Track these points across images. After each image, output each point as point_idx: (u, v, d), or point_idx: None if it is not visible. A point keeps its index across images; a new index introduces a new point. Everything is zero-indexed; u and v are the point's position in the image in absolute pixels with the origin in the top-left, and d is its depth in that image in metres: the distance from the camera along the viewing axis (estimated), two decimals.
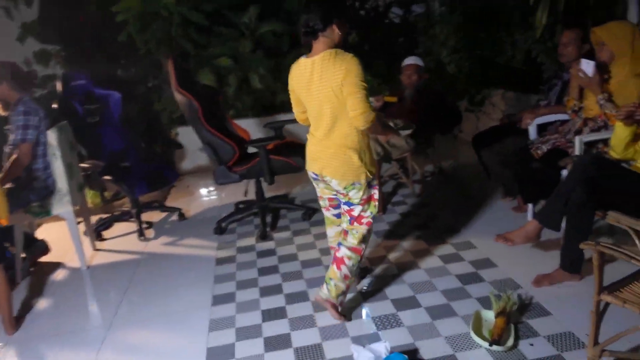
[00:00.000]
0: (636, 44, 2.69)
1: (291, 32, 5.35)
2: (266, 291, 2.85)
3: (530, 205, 3.22)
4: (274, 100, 5.42)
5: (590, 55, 2.85)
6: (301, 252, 3.28)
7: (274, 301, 2.74)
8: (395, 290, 2.70)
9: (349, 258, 2.45)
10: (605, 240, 2.93)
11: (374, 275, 2.88)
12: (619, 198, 2.36)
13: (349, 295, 2.62)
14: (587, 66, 2.73)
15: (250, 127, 4.48)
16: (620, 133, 2.46)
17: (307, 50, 2.37)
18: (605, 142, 2.69)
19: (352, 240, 2.46)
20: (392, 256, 3.09)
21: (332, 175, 2.37)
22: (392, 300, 2.61)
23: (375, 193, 2.47)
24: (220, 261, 3.29)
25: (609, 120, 2.73)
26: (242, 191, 4.32)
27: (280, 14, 5.52)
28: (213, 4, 5.12)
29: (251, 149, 3.65)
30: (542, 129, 3.21)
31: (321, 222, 3.66)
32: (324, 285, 2.49)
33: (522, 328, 2.26)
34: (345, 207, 2.46)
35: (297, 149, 3.75)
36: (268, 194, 4.03)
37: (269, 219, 3.82)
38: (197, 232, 3.80)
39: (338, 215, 2.59)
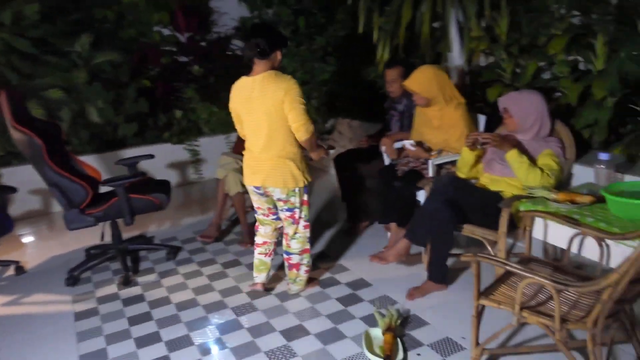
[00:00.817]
0: (444, 86, 3.10)
1: (130, 62, 5.10)
2: (143, 342, 2.62)
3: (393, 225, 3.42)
4: (116, 135, 5.06)
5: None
6: (173, 294, 3.09)
7: (155, 351, 2.53)
8: (281, 321, 2.70)
9: (303, 259, 2.87)
10: (460, 250, 3.32)
11: (256, 308, 2.84)
12: (471, 212, 2.69)
13: (241, 336, 2.56)
14: (409, 145, 3.18)
15: (94, 165, 4.12)
16: (466, 157, 2.83)
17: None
18: (453, 163, 3.05)
19: (298, 245, 2.83)
20: (270, 286, 3.08)
21: (275, 185, 2.66)
22: (280, 332, 2.60)
23: (308, 199, 2.80)
24: (80, 315, 2.94)
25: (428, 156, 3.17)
26: (89, 235, 3.93)
27: (116, 43, 5.23)
28: (39, 31, 4.64)
29: (105, 189, 3.35)
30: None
31: (187, 260, 3.53)
32: (291, 285, 2.93)
33: (407, 340, 2.43)
34: (288, 213, 2.77)
35: (155, 186, 3.56)
36: (123, 235, 3.72)
37: (128, 262, 3.52)
38: (43, 286, 3.35)
39: (276, 218, 2.90)
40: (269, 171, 2.65)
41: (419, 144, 3.23)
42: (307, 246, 2.88)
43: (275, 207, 2.83)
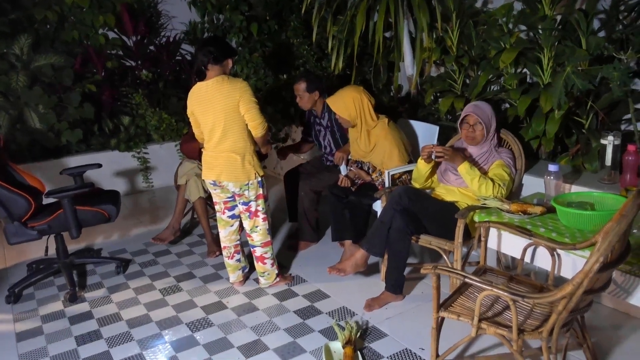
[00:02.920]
0: (363, 108, 3.16)
1: (73, 65, 4.88)
2: None
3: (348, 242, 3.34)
4: (59, 142, 4.83)
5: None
6: (124, 310, 2.97)
7: None
8: (239, 337, 2.64)
9: (266, 252, 3.04)
10: (416, 260, 3.36)
11: (212, 324, 2.77)
12: (427, 222, 2.73)
13: (196, 353, 2.49)
14: (344, 171, 3.43)
15: (35, 174, 3.90)
16: (421, 168, 2.87)
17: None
18: (409, 173, 3.09)
19: (259, 237, 3.01)
20: (226, 300, 3.01)
21: (228, 179, 2.87)
22: (238, 348, 2.54)
23: (265, 193, 2.98)
24: (22, 336, 2.77)
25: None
26: (32, 249, 3.73)
27: (58, 45, 5.00)
28: None
29: (49, 200, 3.19)
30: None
31: (138, 273, 3.41)
32: (260, 278, 3.10)
33: (367, 353, 2.43)
34: (243, 207, 2.96)
35: (103, 196, 3.42)
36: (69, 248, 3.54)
37: (75, 277, 3.36)
38: None
39: (232, 217, 3.07)
40: (223, 166, 2.87)
41: (360, 164, 3.28)
42: (268, 238, 3.05)
43: (233, 200, 3.01)
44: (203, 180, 3.57)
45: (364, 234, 3.18)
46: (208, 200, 3.68)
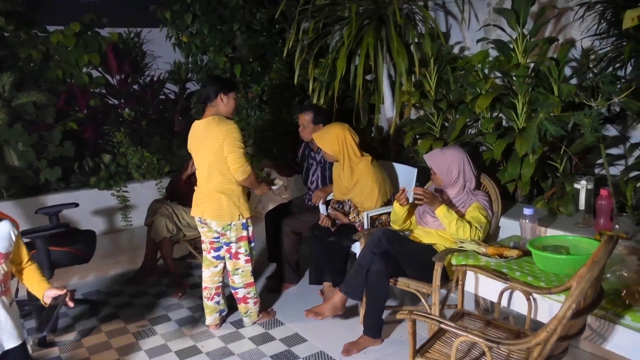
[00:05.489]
0: (348, 145, 3.21)
1: (55, 103, 4.88)
2: None
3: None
4: (38, 179, 4.78)
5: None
6: (95, 355, 2.88)
7: None
8: None
9: (248, 292, 3.04)
10: (395, 302, 3.33)
11: None
12: (405, 264, 2.73)
13: None
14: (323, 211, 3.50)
15: (11, 212, 3.84)
16: (397, 212, 2.89)
17: None
18: (388, 214, 3.10)
19: (242, 279, 3.00)
20: (201, 344, 2.94)
21: (211, 217, 2.87)
22: None
23: (249, 235, 2.96)
24: None
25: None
26: None
27: (41, 83, 5.01)
28: None
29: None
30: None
31: (112, 316, 3.32)
32: (244, 319, 3.10)
33: None
34: (225, 247, 2.96)
35: (78, 237, 3.37)
36: None
37: (45, 320, 3.26)
38: None
39: (217, 257, 3.03)
40: (206, 204, 2.89)
41: (341, 205, 3.29)
42: (251, 280, 3.04)
43: (218, 240, 2.99)
44: (172, 220, 3.59)
45: (343, 275, 3.16)
46: (174, 239, 3.67)
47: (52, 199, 4.65)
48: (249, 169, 2.83)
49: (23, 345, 2.03)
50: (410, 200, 2.83)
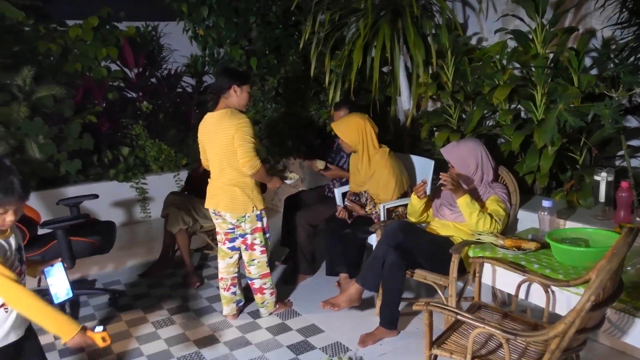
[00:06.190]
0: (366, 135, 3.20)
1: (74, 96, 4.95)
2: None
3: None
4: (58, 172, 4.85)
5: None
6: (115, 344, 2.93)
7: None
8: None
9: (265, 283, 3.06)
10: (411, 294, 3.33)
11: (204, 358, 2.73)
12: (421, 257, 2.72)
13: None
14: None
15: (32, 203, 3.91)
16: (415, 204, 2.88)
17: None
18: (405, 206, 3.09)
19: (258, 270, 3.02)
20: (219, 334, 2.98)
21: (225, 210, 2.91)
22: None
23: (264, 226, 2.98)
24: None
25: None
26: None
27: (60, 77, 5.08)
28: None
29: (44, 230, 3.19)
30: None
31: (131, 306, 3.37)
32: (261, 309, 3.13)
33: None
34: (240, 239, 2.99)
35: (98, 227, 3.42)
36: None
37: (67, 308, 3.33)
38: None
39: (232, 248, 3.06)
40: (220, 196, 2.92)
41: (357, 197, 3.30)
42: (267, 270, 3.06)
43: (233, 231, 3.01)
44: (189, 212, 3.62)
45: (359, 267, 3.16)
46: (191, 231, 3.70)
47: (72, 191, 4.72)
48: (257, 163, 2.81)
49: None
50: (428, 193, 2.82)
